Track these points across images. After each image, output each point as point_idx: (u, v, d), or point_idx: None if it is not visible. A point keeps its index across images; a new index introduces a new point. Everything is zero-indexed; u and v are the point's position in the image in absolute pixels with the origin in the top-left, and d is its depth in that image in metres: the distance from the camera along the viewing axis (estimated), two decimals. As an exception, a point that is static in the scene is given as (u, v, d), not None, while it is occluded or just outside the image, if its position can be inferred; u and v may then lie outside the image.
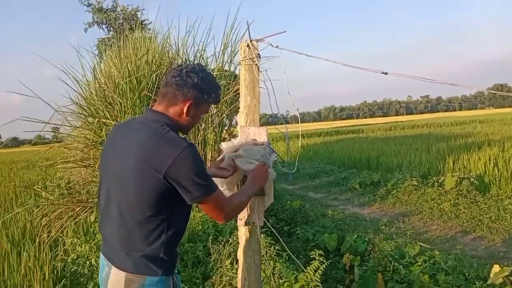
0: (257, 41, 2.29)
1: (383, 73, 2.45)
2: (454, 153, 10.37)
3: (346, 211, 7.05)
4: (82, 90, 6.20)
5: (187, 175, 1.50)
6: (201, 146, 5.62)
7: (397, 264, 3.73)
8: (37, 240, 4.53)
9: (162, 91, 1.68)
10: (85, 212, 5.24)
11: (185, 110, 1.65)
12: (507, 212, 5.95)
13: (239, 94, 2.37)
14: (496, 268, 3.35)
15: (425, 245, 4.35)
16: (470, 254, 4.57)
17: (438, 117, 61.06)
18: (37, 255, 3.97)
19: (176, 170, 1.49)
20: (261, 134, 2.17)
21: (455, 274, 3.62)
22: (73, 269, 3.85)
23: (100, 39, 19.65)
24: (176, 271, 1.73)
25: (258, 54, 2.28)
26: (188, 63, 1.82)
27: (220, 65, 6.07)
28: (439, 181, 7.61)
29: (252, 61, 2.26)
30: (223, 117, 5.88)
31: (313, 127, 53.94)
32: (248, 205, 2.11)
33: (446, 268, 3.74)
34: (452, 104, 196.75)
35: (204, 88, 1.67)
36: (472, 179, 7.09)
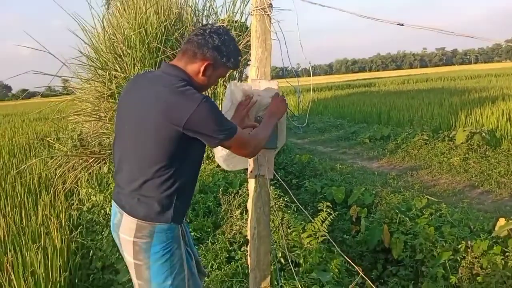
0: (268, -10, 2.21)
1: (399, 24, 2.37)
2: (467, 108, 10.22)
3: (354, 165, 7.11)
4: (92, 42, 6.12)
5: (207, 125, 1.56)
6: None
7: (403, 216, 3.80)
8: (52, 190, 4.68)
9: (183, 48, 1.70)
10: (98, 164, 5.36)
11: (202, 69, 1.66)
12: (516, 167, 5.95)
13: (249, 46, 2.33)
14: (501, 221, 3.39)
15: (432, 198, 4.40)
16: (477, 208, 4.63)
17: (453, 70, 59.63)
18: (53, 204, 4.12)
19: (195, 122, 1.53)
20: (272, 88, 2.15)
21: (461, 226, 3.69)
22: (88, 218, 4.01)
23: (107, -12, 19.13)
24: (185, 221, 1.80)
25: (270, 4, 2.22)
26: (213, 24, 1.81)
27: (230, 14, 5.92)
28: (450, 135, 7.57)
29: (264, 11, 2.19)
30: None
31: (324, 80, 53.16)
32: (257, 158, 2.14)
33: (452, 221, 3.80)
34: (468, 57, 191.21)
35: (224, 51, 1.67)
36: (483, 133, 7.03)
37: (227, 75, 5.60)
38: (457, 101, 11.84)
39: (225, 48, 1.67)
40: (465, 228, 3.65)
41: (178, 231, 1.71)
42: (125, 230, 1.65)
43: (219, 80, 5.59)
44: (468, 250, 3.15)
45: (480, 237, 3.37)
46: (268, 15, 2.17)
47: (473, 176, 5.90)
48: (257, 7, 2.18)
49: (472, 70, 49.74)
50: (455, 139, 7.22)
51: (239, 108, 2.02)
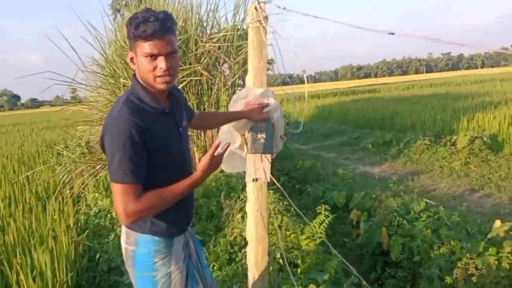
0: (264, 3, 2.34)
1: (389, 33, 2.48)
2: (470, 112, 10.27)
3: (356, 170, 7.20)
4: (103, 50, 6.28)
5: (107, 147, 1.44)
6: (214, 107, 5.73)
7: (401, 219, 3.87)
8: (61, 196, 4.81)
9: None
10: (105, 170, 5.49)
11: (129, 60, 1.54)
12: (517, 171, 6.00)
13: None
14: (497, 223, 3.47)
15: (431, 202, 4.47)
16: (475, 211, 4.70)
17: (458, 75, 59.41)
18: (62, 209, 4.25)
19: (103, 139, 1.46)
20: (268, 95, 2.28)
21: (458, 229, 3.76)
22: (95, 222, 4.14)
23: (115, -3, 19.53)
24: (184, 235, 1.72)
25: (266, 16, 2.34)
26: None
27: (232, 23, 6.05)
28: (452, 140, 7.63)
29: (260, 23, 2.31)
30: (236, 77, 5.94)
31: (329, 87, 53.20)
32: (254, 162, 2.25)
33: (449, 223, 3.87)
34: (474, 61, 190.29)
35: (127, 24, 1.46)
36: (485, 138, 7.09)
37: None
38: (460, 106, 11.89)
39: (128, 22, 1.47)
40: (462, 231, 3.72)
41: (167, 247, 1.62)
42: (122, 234, 1.68)
43: (222, 87, 5.71)
44: (464, 251, 3.22)
45: (477, 239, 3.45)
46: (263, 27, 2.29)
47: (474, 180, 5.96)
48: (253, 19, 2.30)
49: (478, 74, 49.55)
50: (456, 144, 7.29)
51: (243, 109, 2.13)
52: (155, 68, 1.46)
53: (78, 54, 5.81)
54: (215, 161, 1.56)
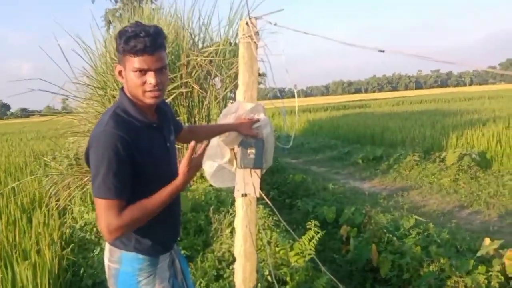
0: (256, 19, 2.34)
1: (380, 51, 2.50)
2: (459, 129, 10.38)
3: (347, 185, 7.19)
4: (93, 62, 6.27)
5: (91, 161, 1.40)
6: (205, 120, 5.71)
7: (391, 235, 3.86)
8: (46, 208, 4.72)
9: None
10: (92, 182, 5.42)
11: (117, 73, 1.52)
12: (506, 187, 6.05)
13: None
14: (487, 241, 3.48)
15: (421, 219, 4.47)
16: (465, 228, 4.71)
17: (447, 92, 60.34)
18: (47, 222, 4.16)
19: (88, 153, 1.43)
20: (258, 110, 2.26)
21: (447, 246, 3.75)
22: (80, 235, 4.05)
23: (108, 10, 19.57)
24: (170, 253, 1.68)
25: (257, 31, 2.34)
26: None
27: (225, 37, 6.07)
28: (441, 156, 7.69)
29: (251, 38, 2.32)
30: (227, 91, 5.95)
31: (321, 101, 53.62)
32: (243, 177, 2.23)
33: (439, 240, 3.86)
34: (463, 79, 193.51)
35: (117, 38, 1.44)
36: (473, 155, 7.16)
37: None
38: (449, 123, 12.02)
39: (118, 35, 1.44)
40: (451, 248, 3.71)
41: (152, 266, 1.58)
42: (105, 251, 1.63)
43: (213, 100, 5.71)
44: (453, 269, 3.21)
45: (466, 256, 3.44)
46: (254, 42, 2.29)
47: (463, 196, 5.99)
48: (245, 34, 2.30)
49: (466, 92, 50.40)
50: (446, 160, 7.34)
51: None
52: (144, 83, 1.44)
53: (70, 65, 5.79)
54: (194, 163, 1.51)
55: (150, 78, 1.43)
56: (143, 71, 1.42)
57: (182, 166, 1.48)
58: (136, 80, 1.43)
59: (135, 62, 1.41)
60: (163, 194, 1.45)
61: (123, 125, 1.42)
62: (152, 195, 1.44)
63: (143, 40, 1.38)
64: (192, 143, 1.46)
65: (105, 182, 1.35)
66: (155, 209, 1.44)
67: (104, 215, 1.36)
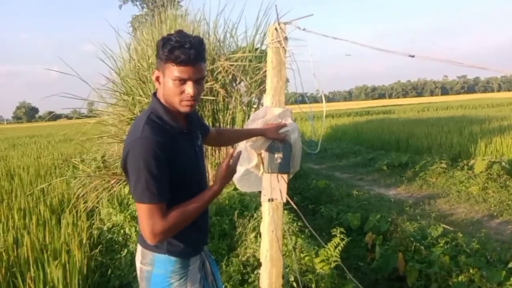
0: (284, 24, 2.35)
1: (410, 56, 2.47)
2: (487, 136, 10.09)
3: (371, 191, 7.09)
4: (118, 68, 6.41)
5: (130, 167, 1.42)
6: (230, 125, 5.75)
7: (418, 244, 3.79)
8: (75, 209, 4.83)
9: None
10: (120, 185, 5.52)
11: (154, 78, 1.54)
12: (537, 197, 5.84)
13: (267, 75, 2.45)
14: (519, 252, 3.37)
15: (449, 227, 4.37)
16: (495, 238, 4.57)
17: (475, 98, 58.89)
18: (75, 223, 4.26)
19: (126, 160, 1.43)
20: (286, 115, 2.27)
21: (477, 256, 3.65)
22: (108, 237, 4.13)
23: (134, 16, 19.99)
24: (200, 255, 1.70)
25: (285, 37, 2.35)
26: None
27: (251, 43, 6.10)
28: (469, 164, 7.50)
29: (280, 43, 2.32)
30: (252, 96, 5.97)
31: (343, 107, 53.21)
32: (270, 182, 2.23)
33: (468, 250, 3.76)
34: (491, 85, 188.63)
35: (158, 45, 1.47)
36: (503, 163, 6.94)
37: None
38: (477, 130, 11.71)
39: (159, 42, 1.47)
40: (481, 258, 3.61)
41: (184, 268, 1.60)
42: (137, 254, 1.66)
43: (238, 105, 5.74)
44: (484, 280, 3.12)
45: (497, 267, 3.34)
46: (283, 47, 2.30)
47: (492, 206, 5.81)
48: (273, 39, 2.31)
49: (495, 98, 49.05)
50: (474, 168, 7.15)
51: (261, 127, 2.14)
52: (182, 92, 1.47)
53: (95, 71, 5.94)
54: (231, 170, 1.59)
55: (189, 88, 1.46)
56: (182, 81, 1.45)
57: (220, 173, 1.54)
58: (175, 88, 1.46)
59: (176, 71, 1.43)
60: (203, 198, 1.52)
61: (159, 130, 1.45)
62: (190, 199, 1.50)
63: (188, 52, 1.40)
64: (231, 151, 1.53)
65: (148, 188, 1.38)
66: (196, 212, 1.50)
67: (149, 219, 1.40)
